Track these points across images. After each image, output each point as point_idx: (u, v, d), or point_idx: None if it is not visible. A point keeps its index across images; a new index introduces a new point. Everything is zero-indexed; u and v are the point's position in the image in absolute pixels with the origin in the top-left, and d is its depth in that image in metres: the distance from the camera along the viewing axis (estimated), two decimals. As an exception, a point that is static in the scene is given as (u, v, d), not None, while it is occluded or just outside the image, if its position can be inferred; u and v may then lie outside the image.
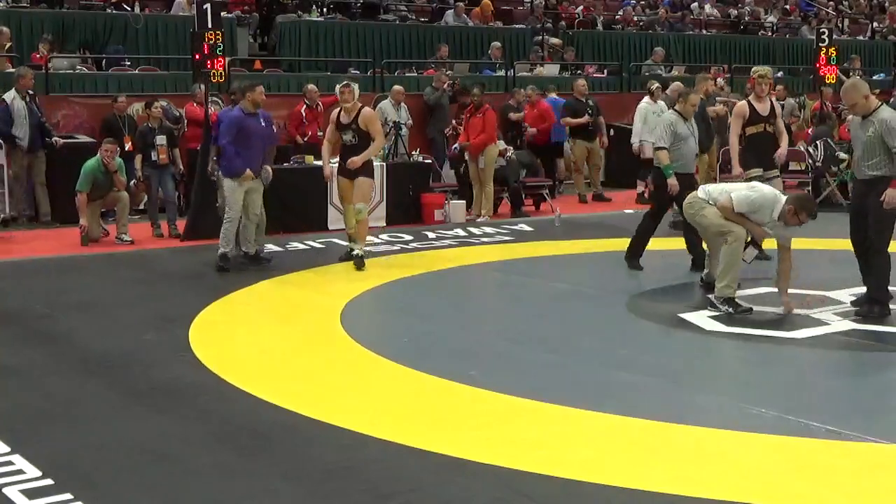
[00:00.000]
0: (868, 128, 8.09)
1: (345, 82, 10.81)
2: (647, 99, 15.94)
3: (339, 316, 8.46)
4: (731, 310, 8.41)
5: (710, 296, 8.69)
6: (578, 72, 20.25)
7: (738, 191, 8.62)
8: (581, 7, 23.92)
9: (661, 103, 15.88)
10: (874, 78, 24.27)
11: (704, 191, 8.85)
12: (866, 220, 8.20)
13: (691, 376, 6.94)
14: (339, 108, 10.76)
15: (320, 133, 15.10)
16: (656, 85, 16.17)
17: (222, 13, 13.77)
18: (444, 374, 6.78)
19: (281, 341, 7.83)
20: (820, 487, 4.95)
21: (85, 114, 14.49)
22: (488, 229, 13.20)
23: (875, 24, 28.37)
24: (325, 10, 20.14)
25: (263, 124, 10.86)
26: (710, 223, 8.67)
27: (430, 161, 14.73)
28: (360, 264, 10.46)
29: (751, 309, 8.47)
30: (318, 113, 15.32)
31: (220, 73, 12.39)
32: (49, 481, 4.98)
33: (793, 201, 8.38)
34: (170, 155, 12.72)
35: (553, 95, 17.28)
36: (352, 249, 10.70)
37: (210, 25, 12.23)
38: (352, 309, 8.78)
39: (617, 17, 24.03)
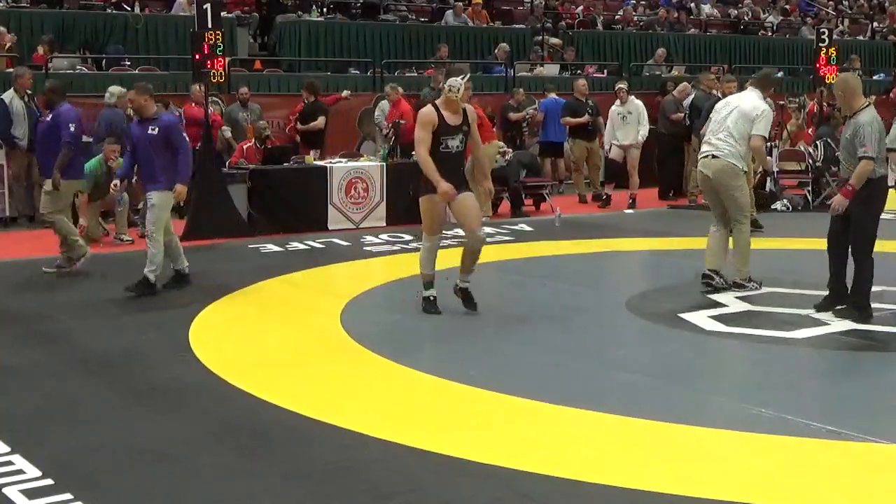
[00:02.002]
0: (848, 129, 8.09)
1: (465, 75, 8.30)
2: (616, 101, 15.94)
3: (339, 316, 8.47)
4: (756, 285, 9.25)
5: (736, 280, 9.26)
6: (578, 72, 20.26)
7: (756, 121, 9.15)
8: (581, 7, 23.93)
9: (637, 102, 15.88)
10: (874, 78, 24.29)
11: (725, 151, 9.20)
12: (845, 222, 8.14)
13: (691, 376, 6.93)
14: (432, 110, 8.23)
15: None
16: (621, 85, 16.18)
17: (222, 13, 13.77)
18: (443, 374, 6.78)
19: (281, 341, 7.83)
20: (820, 487, 4.95)
21: (84, 114, 14.45)
22: (488, 229, 13.13)
23: (875, 24, 28.38)
24: (325, 10, 20.15)
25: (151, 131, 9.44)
26: (744, 201, 9.26)
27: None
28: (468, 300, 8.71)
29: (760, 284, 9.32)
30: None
31: (220, 74, 12.40)
32: (49, 481, 4.98)
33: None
34: None
35: (553, 95, 17.29)
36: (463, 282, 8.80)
37: (210, 25, 12.24)
38: (352, 309, 8.78)
39: (617, 17, 24.04)
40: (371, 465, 5.25)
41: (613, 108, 15.84)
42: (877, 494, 4.87)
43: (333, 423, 5.84)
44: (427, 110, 8.23)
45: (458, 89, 8.08)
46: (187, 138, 9.96)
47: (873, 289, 9.06)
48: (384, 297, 9.57)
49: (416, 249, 11.74)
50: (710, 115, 9.75)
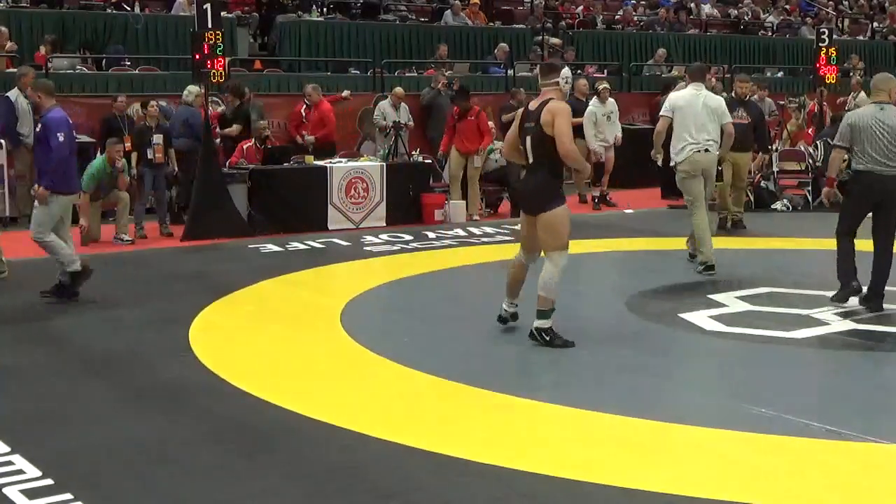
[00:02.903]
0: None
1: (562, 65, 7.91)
2: (595, 101, 15.94)
3: (339, 316, 8.46)
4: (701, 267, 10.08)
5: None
6: (578, 72, 20.24)
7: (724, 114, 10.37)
8: (581, 7, 23.92)
9: (611, 101, 15.90)
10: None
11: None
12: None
13: (691, 376, 6.94)
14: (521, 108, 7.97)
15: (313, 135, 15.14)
16: (604, 86, 16.19)
17: (222, 13, 13.77)
18: (444, 373, 6.78)
19: (281, 341, 7.83)
20: (819, 487, 4.95)
21: (84, 114, 14.47)
22: (488, 229, 13.21)
23: (875, 24, 28.36)
24: (325, 9, 20.15)
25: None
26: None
27: (429, 161, 14.73)
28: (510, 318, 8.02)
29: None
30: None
31: (220, 74, 12.41)
32: (49, 481, 4.98)
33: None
34: (165, 154, 12.74)
35: (552, 95, 17.26)
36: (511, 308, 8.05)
37: (210, 25, 12.25)
38: (352, 309, 8.78)
39: (617, 16, 24.03)
40: (372, 465, 5.26)
41: (595, 108, 15.77)
42: (876, 494, 4.87)
43: (334, 423, 5.85)
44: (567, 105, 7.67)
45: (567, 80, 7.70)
46: (61, 137, 8.97)
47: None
48: (384, 297, 9.57)
49: (416, 249, 11.78)
50: (678, 112, 10.41)
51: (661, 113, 10.79)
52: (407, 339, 7.89)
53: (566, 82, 7.61)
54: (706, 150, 10.23)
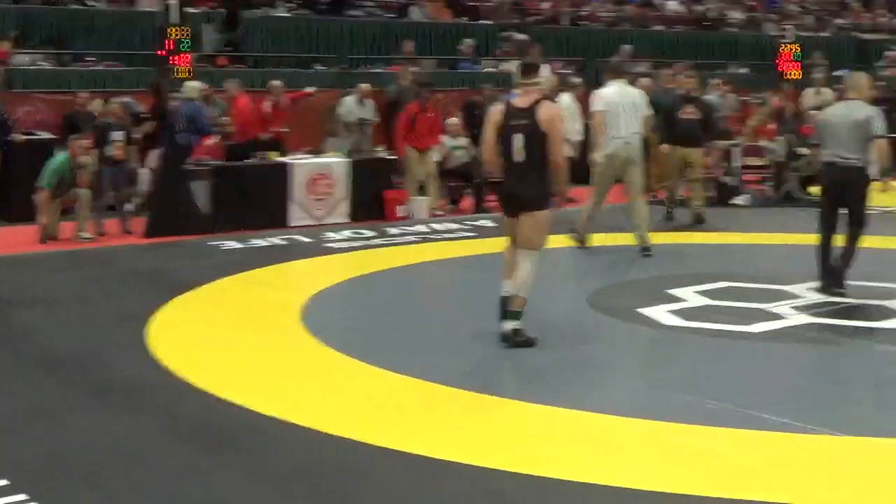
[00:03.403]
0: None
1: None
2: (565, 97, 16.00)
3: (301, 313, 8.45)
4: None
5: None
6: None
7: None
8: (547, 3, 23.97)
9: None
10: (836, 74, 24.46)
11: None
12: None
13: (650, 371, 6.99)
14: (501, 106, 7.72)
15: (284, 129, 15.12)
16: (576, 80, 16.28)
17: (188, 8, 13.71)
18: (407, 371, 6.78)
19: (242, 339, 7.80)
20: (776, 479, 5.00)
21: (46, 110, 14.37)
22: (451, 225, 13.23)
23: (839, 21, 28.57)
24: (291, 5, 20.09)
25: None
26: None
27: (394, 157, 14.72)
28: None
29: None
30: (284, 109, 15.29)
31: (186, 70, 12.36)
32: (4, 482, 4.94)
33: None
34: (126, 151, 12.67)
35: (517, 92, 17.29)
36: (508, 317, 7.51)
37: (175, 21, 12.19)
38: (314, 306, 8.77)
39: (583, 13, 24.09)
40: (336, 464, 5.26)
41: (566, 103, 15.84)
42: (831, 486, 4.93)
43: (297, 422, 5.83)
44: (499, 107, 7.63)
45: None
46: None
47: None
48: (347, 293, 9.57)
49: (379, 246, 11.78)
50: (612, 109, 11.10)
51: (594, 109, 11.29)
52: (367, 337, 7.88)
53: (547, 81, 7.57)
54: (628, 143, 11.08)
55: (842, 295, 8.78)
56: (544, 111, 7.26)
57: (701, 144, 13.62)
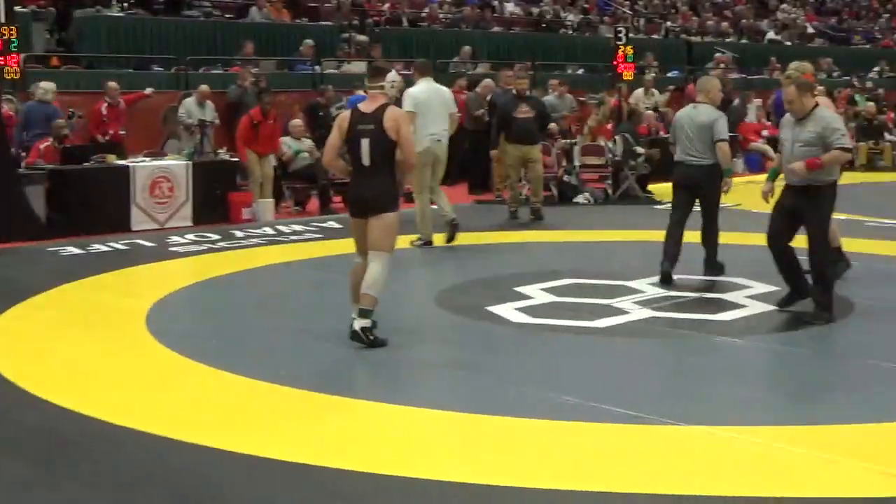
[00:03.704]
0: (808, 125, 7.94)
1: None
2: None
3: (144, 319, 8.26)
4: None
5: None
6: (384, 69, 20.32)
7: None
8: (387, 4, 24.04)
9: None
10: (668, 75, 25.25)
11: None
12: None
13: (498, 367, 7.06)
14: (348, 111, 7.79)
15: (122, 132, 14.78)
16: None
17: (17, 7, 13.25)
18: (254, 374, 6.71)
19: (83, 347, 7.58)
20: (619, 469, 5.12)
21: None
22: (297, 227, 13.14)
23: (668, 24, 29.49)
24: (125, 4, 19.61)
25: None
26: None
27: (236, 160, 14.54)
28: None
29: None
30: (121, 111, 14.94)
31: (15, 70, 11.95)
32: None
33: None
34: None
35: (361, 93, 17.27)
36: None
37: (3, 20, 11.78)
38: (158, 311, 8.58)
39: (423, 14, 24.24)
40: (180, 470, 5.17)
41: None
42: (673, 474, 5.07)
43: (140, 428, 5.70)
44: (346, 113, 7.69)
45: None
46: None
47: (677, 277, 9.48)
48: (191, 298, 9.40)
49: (224, 249, 11.61)
50: (422, 108, 11.49)
51: (405, 109, 11.19)
52: (216, 341, 7.77)
53: (392, 86, 7.66)
54: (439, 140, 11.57)
55: (722, 273, 9.64)
56: (389, 116, 7.32)
57: (537, 142, 13.99)
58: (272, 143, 14.32)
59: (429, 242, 11.64)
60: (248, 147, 14.03)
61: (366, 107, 7.46)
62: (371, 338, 7.32)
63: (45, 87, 13.67)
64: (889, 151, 21.26)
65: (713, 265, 9.76)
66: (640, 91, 20.47)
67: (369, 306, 7.33)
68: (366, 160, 7.34)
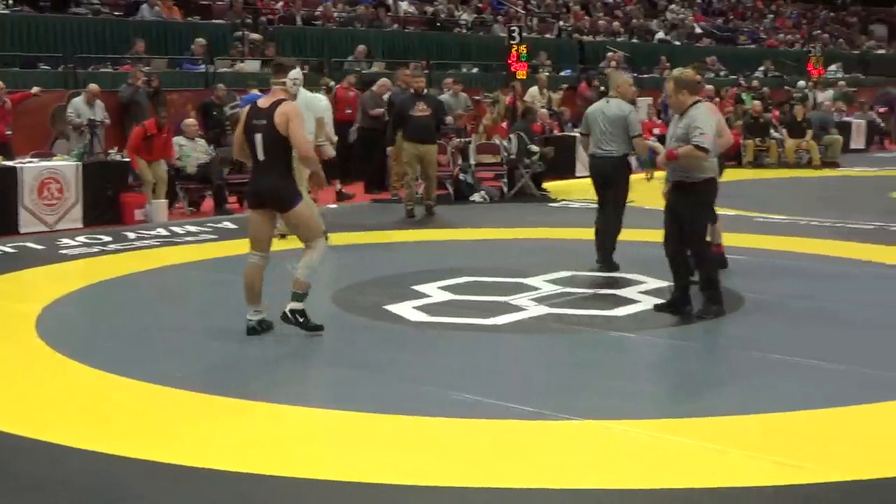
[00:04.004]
0: (682, 122, 8.15)
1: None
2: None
3: (34, 323, 8.07)
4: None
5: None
6: (280, 68, 20.17)
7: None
8: (281, 3, 23.86)
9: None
10: (562, 74, 25.56)
11: None
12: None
13: (396, 366, 7.08)
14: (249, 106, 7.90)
15: (8, 132, 14.40)
16: (327, 79, 16.47)
17: None
18: (149, 377, 6.61)
19: (-28, 353, 7.38)
20: (517, 465, 5.17)
21: None
22: (192, 228, 12.98)
23: (561, 23, 29.83)
24: (10, 1, 19.12)
25: None
26: None
27: (128, 160, 14.28)
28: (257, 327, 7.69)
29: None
30: (6, 111, 14.55)
31: None
32: None
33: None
34: None
35: (255, 91, 17.14)
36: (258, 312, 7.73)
37: None
38: (49, 316, 8.40)
39: (317, 13, 24.11)
40: (78, 478, 5.07)
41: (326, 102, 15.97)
42: (573, 468, 5.15)
43: (35, 437, 5.57)
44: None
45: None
46: None
47: (564, 274, 9.63)
48: (83, 301, 9.21)
49: (117, 251, 11.41)
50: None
51: None
52: (110, 345, 7.63)
53: (294, 83, 7.71)
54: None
55: (616, 270, 9.89)
56: (279, 111, 7.40)
57: (434, 141, 14.09)
58: (164, 153, 14.15)
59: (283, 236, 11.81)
60: (138, 156, 13.83)
61: (263, 102, 7.61)
62: (301, 319, 7.51)
63: None
64: (774, 149, 21.81)
65: (608, 262, 9.93)
66: (534, 89, 20.69)
67: (299, 289, 7.55)
68: (260, 155, 7.50)
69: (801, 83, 27.83)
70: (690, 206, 8.16)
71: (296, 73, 7.72)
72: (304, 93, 11.76)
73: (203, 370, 6.95)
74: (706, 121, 7.98)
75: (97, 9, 20.11)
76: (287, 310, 7.55)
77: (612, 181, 9.95)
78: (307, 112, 11.59)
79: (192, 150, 14.73)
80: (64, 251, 11.38)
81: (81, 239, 12.07)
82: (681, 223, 8.20)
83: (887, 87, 30.88)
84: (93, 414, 6.07)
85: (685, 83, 8.12)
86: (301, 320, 7.55)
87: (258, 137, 7.45)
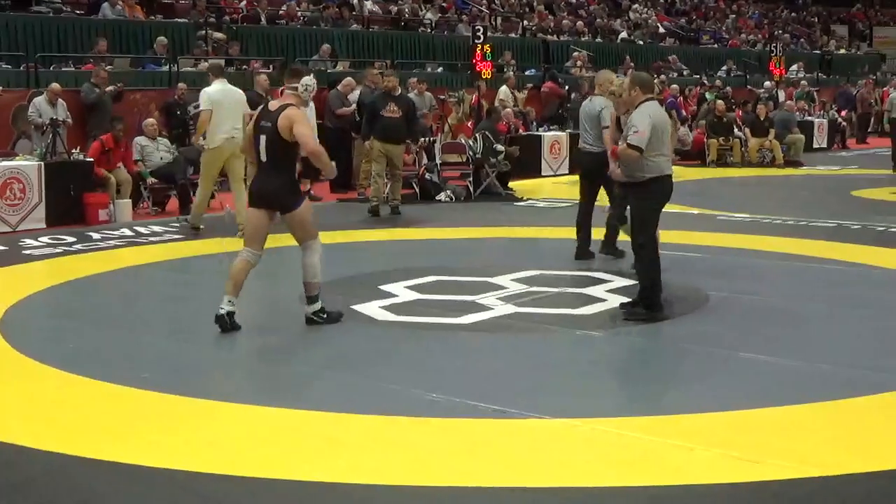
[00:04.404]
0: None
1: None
2: None
3: (-2, 324, 8.02)
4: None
5: None
6: (244, 67, 20.11)
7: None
8: (244, 2, 23.76)
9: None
10: (526, 73, 25.62)
11: None
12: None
13: (366, 366, 7.07)
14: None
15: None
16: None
17: None
18: (114, 379, 6.57)
19: (-67, 355, 7.30)
20: (485, 464, 5.18)
21: None
22: (156, 228, 12.91)
23: (525, 23, 29.90)
24: (-31, 0, 18.95)
25: None
26: None
27: (91, 160, 14.17)
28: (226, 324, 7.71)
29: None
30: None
31: None
32: None
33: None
34: None
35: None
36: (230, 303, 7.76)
37: None
38: (12, 316, 8.33)
39: (281, 12, 24.03)
40: (40, 480, 5.02)
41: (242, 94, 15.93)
42: (540, 466, 5.16)
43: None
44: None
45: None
46: None
47: (530, 273, 9.66)
48: (47, 302, 9.14)
49: (81, 251, 11.32)
50: (217, 107, 12.09)
51: (202, 108, 12.33)
52: (73, 346, 7.58)
53: (305, 89, 7.90)
54: (233, 138, 11.95)
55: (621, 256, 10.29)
56: (283, 116, 7.62)
57: (403, 142, 14.16)
58: (125, 164, 14.15)
59: (196, 229, 12.45)
60: (99, 167, 13.78)
61: (273, 105, 7.89)
62: (325, 316, 7.93)
63: None
64: (738, 148, 21.97)
65: (613, 250, 10.49)
66: (505, 88, 20.73)
67: (312, 292, 7.94)
68: (262, 156, 7.76)
69: (769, 83, 28.05)
70: (635, 206, 8.23)
71: (309, 80, 7.93)
72: (228, 87, 12.39)
73: (168, 371, 6.90)
74: (642, 120, 7.97)
75: (59, 7, 19.94)
76: (309, 314, 7.91)
77: (595, 175, 10.24)
78: (235, 106, 12.16)
79: (155, 150, 14.64)
80: (27, 252, 11.29)
81: (45, 239, 11.97)
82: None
83: (842, 87, 31.18)
84: (56, 415, 6.02)
85: (639, 79, 8.26)
86: (324, 317, 7.92)
87: (262, 139, 7.71)
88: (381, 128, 13.85)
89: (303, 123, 7.66)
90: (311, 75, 8.10)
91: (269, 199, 7.78)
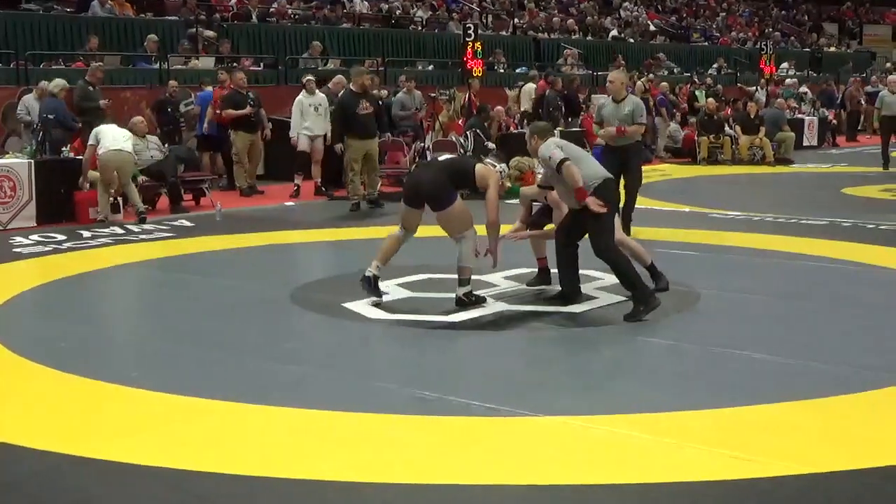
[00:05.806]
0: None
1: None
2: (303, 92, 16.12)
3: (-12, 323, 8.00)
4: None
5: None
6: (234, 65, 20.09)
7: None
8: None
9: (321, 95, 16.13)
10: (517, 71, 25.63)
11: None
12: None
13: (358, 364, 7.08)
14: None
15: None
16: (308, 77, 16.39)
17: None
18: (105, 377, 6.56)
19: (-77, 354, 7.29)
20: (477, 462, 5.19)
21: None
22: (147, 226, 12.89)
23: (516, 21, 29.92)
24: (-41, -2, 18.91)
25: None
26: None
27: (81, 157, 14.14)
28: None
29: None
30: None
31: None
32: None
33: None
34: None
35: (209, 89, 17.06)
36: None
37: None
38: (1, 315, 8.32)
39: (271, 10, 24.02)
40: (31, 479, 5.02)
41: (302, 98, 15.97)
42: (532, 464, 5.17)
43: (-9, 438, 5.53)
44: None
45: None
46: None
47: (522, 271, 9.67)
48: (38, 300, 9.13)
49: (71, 249, 11.31)
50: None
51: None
52: (64, 344, 7.57)
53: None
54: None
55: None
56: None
57: (375, 135, 14.68)
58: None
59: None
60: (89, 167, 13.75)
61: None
62: (473, 298, 8.47)
63: (59, 84, 13.85)
64: (728, 145, 22.01)
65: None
66: (530, 86, 20.46)
67: (464, 276, 8.51)
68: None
69: (763, 81, 28.12)
70: (593, 219, 8.19)
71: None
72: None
73: (159, 369, 6.90)
74: (547, 147, 8.19)
75: (49, 5, 19.92)
76: (459, 295, 8.44)
77: (625, 166, 10.99)
78: None
79: (145, 149, 14.60)
80: (17, 250, 11.27)
81: (35, 237, 11.96)
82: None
83: (823, 85, 31.20)
84: (47, 414, 6.01)
85: (537, 129, 8.63)
86: (472, 299, 8.44)
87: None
88: (357, 125, 14.28)
89: None
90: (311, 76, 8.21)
91: (423, 196, 8.57)
